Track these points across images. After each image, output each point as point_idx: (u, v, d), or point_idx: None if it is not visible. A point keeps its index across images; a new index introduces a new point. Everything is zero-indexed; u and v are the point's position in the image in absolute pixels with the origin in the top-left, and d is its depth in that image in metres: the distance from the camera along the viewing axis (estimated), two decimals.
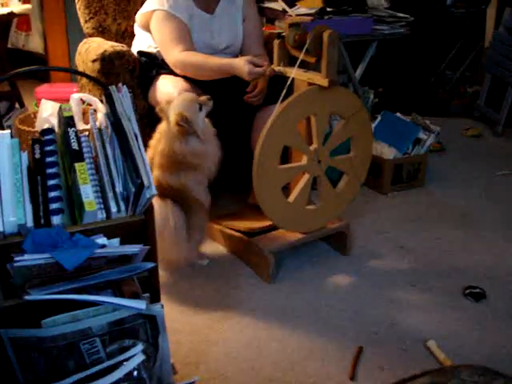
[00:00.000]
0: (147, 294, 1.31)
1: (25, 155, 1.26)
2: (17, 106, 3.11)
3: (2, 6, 2.92)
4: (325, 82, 1.84)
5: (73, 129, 1.31)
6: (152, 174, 1.70)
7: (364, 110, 2.05)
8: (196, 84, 2.23)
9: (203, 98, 1.99)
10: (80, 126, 2.31)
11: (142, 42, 2.45)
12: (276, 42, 1.99)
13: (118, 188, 1.24)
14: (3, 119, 2.87)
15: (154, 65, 2.39)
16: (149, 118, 2.40)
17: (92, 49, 2.43)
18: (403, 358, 1.67)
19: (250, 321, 1.82)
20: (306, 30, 1.89)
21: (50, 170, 1.27)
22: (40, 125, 2.29)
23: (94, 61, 2.33)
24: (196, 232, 2.04)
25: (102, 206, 1.27)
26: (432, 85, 4.44)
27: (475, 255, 2.25)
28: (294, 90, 1.99)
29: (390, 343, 1.73)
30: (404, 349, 1.71)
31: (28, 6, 3.29)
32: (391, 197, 2.78)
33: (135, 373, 1.20)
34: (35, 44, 4.23)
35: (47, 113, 2.30)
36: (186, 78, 2.25)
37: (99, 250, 1.21)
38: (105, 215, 1.26)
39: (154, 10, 2.30)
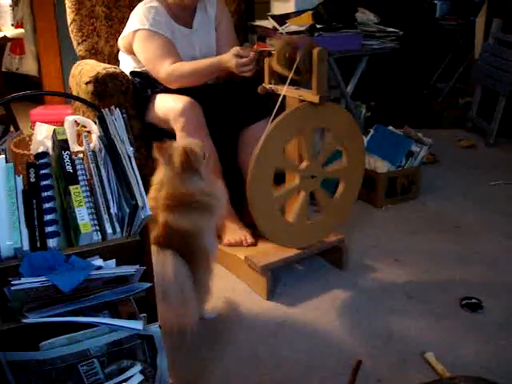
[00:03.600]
0: (144, 315, 1.31)
1: (20, 179, 1.27)
2: (12, 129, 3.13)
3: None
4: (316, 99, 1.86)
5: (67, 152, 1.32)
6: (161, 218, 1.67)
7: (355, 123, 2.07)
8: (193, 97, 2.25)
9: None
10: (75, 147, 2.32)
11: (125, 66, 2.49)
12: (266, 60, 2.02)
13: (113, 210, 1.25)
14: None
15: (148, 85, 2.41)
16: (144, 139, 2.43)
17: (85, 71, 2.45)
18: (402, 370, 1.67)
19: (247, 338, 1.83)
20: (296, 47, 1.91)
21: (45, 194, 1.28)
22: (35, 148, 2.29)
23: (87, 83, 2.35)
24: (202, 286, 1.80)
25: (98, 227, 1.28)
26: (424, 97, 4.48)
27: (471, 266, 2.26)
28: (285, 107, 2.01)
29: (388, 356, 1.74)
30: (402, 361, 1.71)
31: (21, 31, 3.32)
32: (386, 210, 2.79)
33: None
34: (29, 67, 4.27)
35: (42, 135, 2.30)
36: (182, 92, 2.28)
37: (95, 272, 1.22)
38: (100, 237, 1.27)
39: (136, 31, 2.34)
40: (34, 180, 1.30)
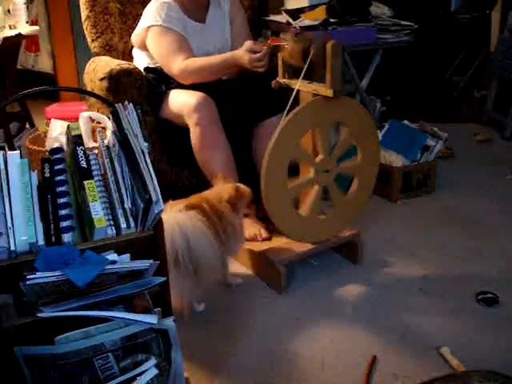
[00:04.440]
0: (159, 309, 1.31)
1: (34, 174, 1.28)
2: (27, 126, 3.15)
3: (11, 28, 2.97)
4: (330, 93, 1.85)
5: (81, 147, 1.33)
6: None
7: (369, 118, 2.06)
8: (207, 93, 2.25)
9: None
10: (90, 143, 2.34)
11: (139, 62, 2.50)
12: (280, 55, 2.01)
13: (127, 204, 1.25)
14: (14, 140, 2.91)
15: (162, 80, 2.42)
16: (158, 134, 2.43)
17: (99, 67, 2.46)
18: (417, 365, 1.66)
19: (262, 333, 1.83)
20: (310, 41, 1.90)
21: (59, 189, 1.29)
22: (50, 144, 2.32)
23: (101, 79, 2.36)
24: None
25: (112, 222, 1.28)
26: (440, 91, 4.44)
27: (487, 260, 2.24)
28: (299, 101, 2.00)
29: (403, 351, 1.73)
30: (418, 356, 1.70)
31: (36, 28, 3.34)
32: (401, 204, 2.78)
33: None
34: (44, 64, 4.29)
35: (57, 132, 2.33)
36: (196, 88, 2.28)
37: (110, 267, 1.22)
38: (115, 231, 1.28)
39: (149, 27, 2.34)
40: (48, 175, 1.31)
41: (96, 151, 1.37)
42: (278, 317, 1.91)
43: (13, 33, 2.93)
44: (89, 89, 2.63)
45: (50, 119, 2.73)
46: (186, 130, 2.27)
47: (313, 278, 2.14)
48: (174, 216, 1.77)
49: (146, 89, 2.40)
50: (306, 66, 1.87)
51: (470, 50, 4.42)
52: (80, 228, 1.32)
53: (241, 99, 2.39)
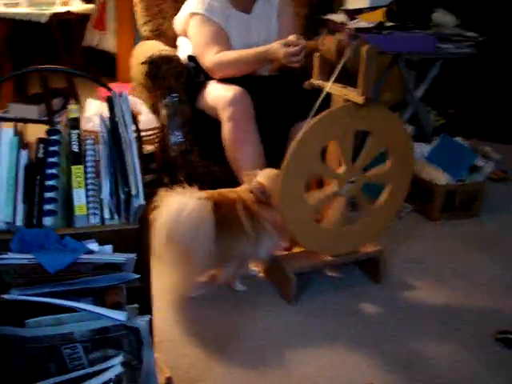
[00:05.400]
0: (135, 305, 1.27)
1: (25, 153, 1.26)
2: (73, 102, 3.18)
3: (63, 4, 3.01)
4: (360, 99, 1.75)
5: (76, 131, 1.30)
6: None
7: (402, 128, 1.93)
8: (245, 88, 2.20)
9: None
10: None
11: (184, 49, 2.46)
12: (316, 55, 1.92)
13: (106, 194, 1.21)
14: (56, 115, 2.95)
15: (202, 70, 2.38)
16: (193, 125, 2.39)
17: (142, 51, 2.45)
18: None
19: (259, 342, 1.75)
20: (347, 43, 1.80)
21: (49, 171, 1.26)
22: (83, 123, 2.32)
23: (142, 63, 2.34)
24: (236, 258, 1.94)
25: (98, 211, 1.25)
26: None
27: None
28: (331, 105, 1.91)
29: (402, 383, 1.61)
30: None
31: (88, 6, 3.36)
32: (440, 225, 2.62)
33: None
34: (109, 43, 4.35)
35: (90, 112, 2.33)
36: (235, 82, 2.23)
37: (84, 256, 1.19)
38: (98, 220, 1.25)
39: (192, 15, 2.30)
40: (42, 156, 1.29)
41: (93, 136, 1.34)
42: (281, 328, 1.83)
43: (62, 9, 2.96)
44: (132, 72, 2.63)
45: (101, 98, 2.74)
46: (219, 123, 2.22)
47: (327, 291, 2.04)
48: (180, 199, 1.78)
49: (185, 78, 2.36)
50: (338, 68, 1.77)
51: None
52: (67, 213, 1.29)
53: (280, 97, 2.32)
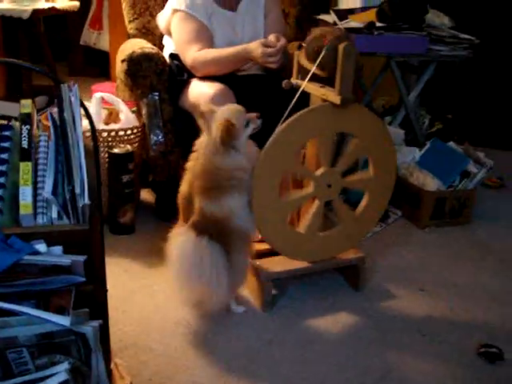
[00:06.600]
0: (85, 310, 1.21)
1: None
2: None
3: (47, 0, 2.96)
4: (337, 99, 1.68)
5: (27, 126, 1.24)
6: (197, 202, 1.71)
7: (385, 130, 1.86)
8: (229, 86, 2.13)
9: (252, 114, 1.78)
10: (100, 125, 2.27)
11: (168, 47, 2.40)
12: (296, 54, 1.86)
13: (52, 192, 1.15)
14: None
15: (185, 68, 2.32)
16: (174, 125, 2.33)
17: (125, 49, 2.39)
18: None
19: (227, 350, 1.68)
20: (324, 41, 1.73)
21: None
22: None
23: (122, 61, 2.29)
24: (237, 272, 1.77)
25: (45, 210, 1.19)
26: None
27: (505, 308, 1.98)
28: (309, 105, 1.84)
29: None
30: None
31: (73, 4, 3.29)
32: (428, 232, 2.53)
33: None
34: (105, 42, 4.30)
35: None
36: (219, 79, 2.17)
37: (27, 257, 1.13)
38: (47, 220, 1.19)
39: (174, 11, 2.25)
40: None
41: (47, 133, 1.28)
42: (251, 336, 1.76)
43: (46, 5, 2.91)
44: (116, 70, 2.57)
45: None
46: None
47: (305, 298, 1.97)
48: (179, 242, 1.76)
49: (166, 76, 2.30)
50: (314, 67, 1.71)
51: None
52: (17, 212, 1.23)
53: (264, 97, 2.25)
